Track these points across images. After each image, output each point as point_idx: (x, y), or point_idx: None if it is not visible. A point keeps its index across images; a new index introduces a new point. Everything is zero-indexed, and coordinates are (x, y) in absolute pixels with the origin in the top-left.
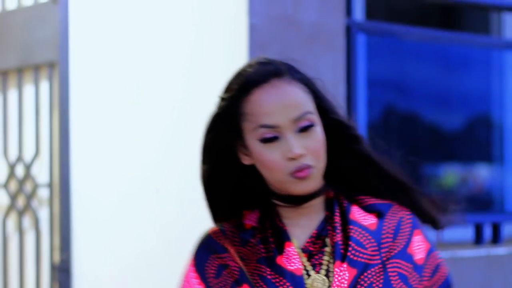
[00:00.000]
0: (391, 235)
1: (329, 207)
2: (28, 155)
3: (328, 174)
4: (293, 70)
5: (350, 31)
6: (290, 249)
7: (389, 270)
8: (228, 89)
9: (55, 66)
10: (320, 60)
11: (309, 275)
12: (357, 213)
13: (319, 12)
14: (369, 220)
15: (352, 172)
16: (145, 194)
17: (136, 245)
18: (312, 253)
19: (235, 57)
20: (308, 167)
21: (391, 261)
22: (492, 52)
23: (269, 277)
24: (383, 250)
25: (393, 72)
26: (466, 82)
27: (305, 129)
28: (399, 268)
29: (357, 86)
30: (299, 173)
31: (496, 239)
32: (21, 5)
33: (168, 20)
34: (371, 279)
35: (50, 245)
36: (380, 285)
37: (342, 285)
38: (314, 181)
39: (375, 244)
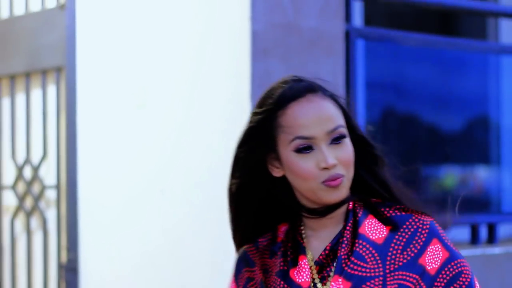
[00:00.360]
0: (400, 247)
1: (346, 219)
2: (35, 157)
3: (352, 185)
4: (324, 88)
5: (349, 37)
6: (302, 263)
7: (389, 282)
8: (262, 104)
9: (62, 70)
10: (320, 64)
11: (316, 286)
12: (368, 226)
13: (319, 18)
14: (379, 234)
15: (368, 186)
16: (150, 196)
17: (141, 245)
18: (324, 265)
19: (239, 62)
20: (340, 176)
21: (394, 273)
22: (489, 56)
23: (278, 287)
24: (387, 263)
25: (391, 75)
26: (464, 84)
27: (337, 141)
28: (402, 279)
29: (356, 90)
30: (331, 182)
31: (492, 239)
32: (29, 10)
33: (173, 25)
34: None
35: (57, 245)
36: None
37: None
38: (345, 190)
39: (378, 258)
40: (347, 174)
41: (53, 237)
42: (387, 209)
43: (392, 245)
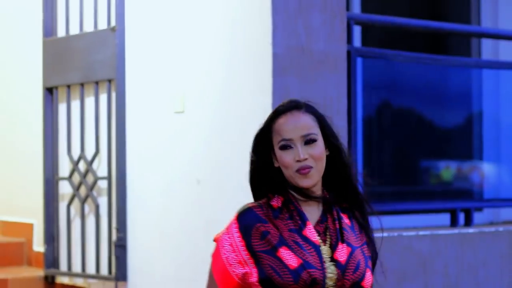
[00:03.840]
0: (358, 228)
1: (326, 204)
2: (89, 154)
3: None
4: (309, 106)
5: (350, 56)
6: (309, 227)
7: (364, 250)
8: (269, 115)
9: (113, 81)
10: (327, 79)
11: (320, 245)
12: (341, 213)
13: (326, 42)
14: (346, 219)
15: (336, 178)
16: (188, 185)
17: (179, 225)
18: (319, 232)
19: (263, 78)
20: (309, 167)
21: (363, 245)
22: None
23: (300, 242)
24: (358, 239)
25: (386, 82)
26: (449, 88)
27: (309, 142)
28: (365, 249)
29: (356, 96)
30: (302, 171)
31: (468, 221)
32: (83, 31)
33: (209, 48)
34: (358, 256)
35: (108, 226)
36: (363, 258)
37: (342, 257)
38: (313, 178)
39: (354, 234)
40: (316, 166)
41: (104, 220)
42: (344, 204)
43: (354, 227)
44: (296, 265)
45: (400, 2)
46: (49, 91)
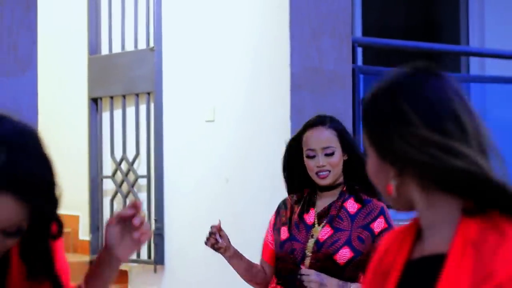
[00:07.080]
0: (363, 216)
1: (341, 195)
2: (130, 156)
3: (351, 177)
4: (333, 121)
5: (354, 74)
6: (311, 211)
7: (353, 233)
8: (301, 127)
9: (152, 94)
10: (335, 95)
11: (314, 226)
12: (349, 203)
13: (335, 63)
14: (353, 208)
15: (360, 177)
16: (218, 183)
17: (209, 217)
18: (321, 216)
19: (282, 93)
20: (327, 171)
21: (356, 229)
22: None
23: (298, 222)
24: (354, 225)
25: None
26: None
27: (328, 154)
28: (360, 233)
29: (360, 109)
30: (320, 175)
31: None
32: (125, 50)
33: (236, 67)
34: (339, 236)
35: (148, 218)
36: (344, 239)
37: (322, 236)
38: (329, 180)
39: (349, 220)
40: (333, 171)
41: (144, 212)
42: (362, 194)
43: (359, 215)
44: (285, 237)
45: (397, 24)
46: (94, 102)
